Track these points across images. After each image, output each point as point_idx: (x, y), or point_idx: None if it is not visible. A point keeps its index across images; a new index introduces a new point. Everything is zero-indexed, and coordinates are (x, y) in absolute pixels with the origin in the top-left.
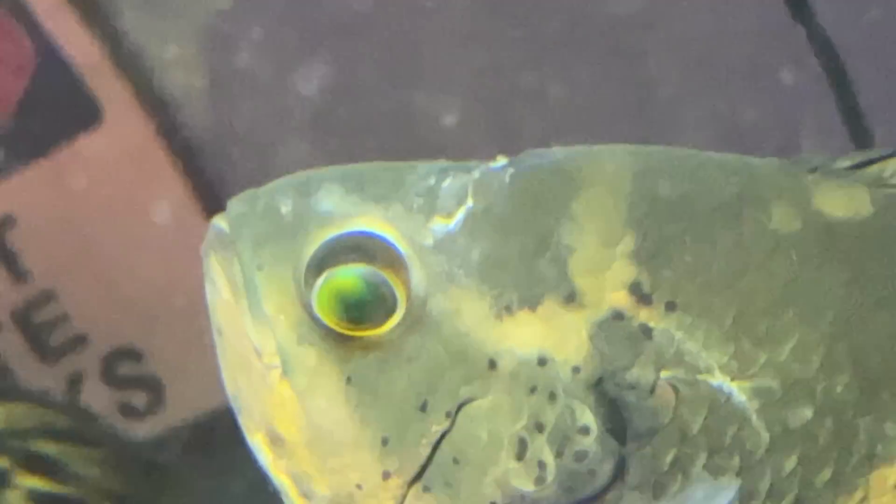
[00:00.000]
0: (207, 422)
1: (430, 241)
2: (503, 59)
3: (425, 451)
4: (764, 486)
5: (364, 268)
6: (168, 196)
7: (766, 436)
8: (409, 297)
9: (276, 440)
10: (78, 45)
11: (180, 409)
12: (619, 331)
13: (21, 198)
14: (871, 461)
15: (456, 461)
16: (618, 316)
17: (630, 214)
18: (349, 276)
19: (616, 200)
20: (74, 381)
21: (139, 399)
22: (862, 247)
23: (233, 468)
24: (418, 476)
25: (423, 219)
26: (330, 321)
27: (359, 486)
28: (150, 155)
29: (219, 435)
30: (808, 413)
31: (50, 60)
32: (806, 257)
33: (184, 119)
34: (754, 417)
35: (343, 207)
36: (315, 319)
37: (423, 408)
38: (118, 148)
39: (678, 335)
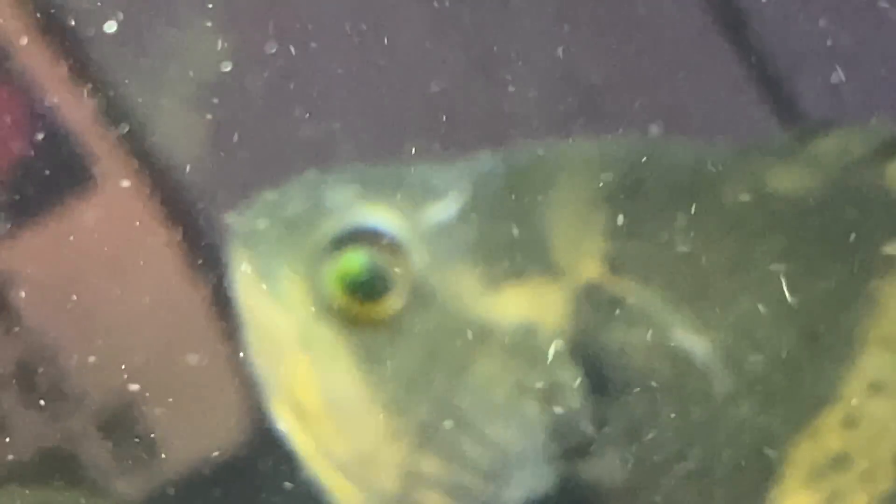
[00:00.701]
0: (201, 476)
1: (426, 228)
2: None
3: (429, 415)
4: (724, 429)
5: (367, 253)
6: (161, 257)
7: (725, 383)
8: (409, 278)
9: (298, 409)
10: (71, 106)
11: (175, 463)
12: (595, 298)
13: (22, 258)
14: (816, 404)
15: (457, 423)
16: (594, 285)
17: (600, 198)
18: (354, 260)
19: (588, 186)
20: (72, 437)
21: (135, 453)
22: (804, 217)
23: None
24: (425, 439)
25: (420, 208)
26: (340, 301)
27: (371, 449)
28: (143, 217)
29: (213, 490)
30: (759, 362)
31: (43, 122)
32: (754, 229)
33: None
34: (714, 368)
35: (348, 202)
36: (327, 300)
37: (426, 375)
38: (113, 210)
39: (646, 299)
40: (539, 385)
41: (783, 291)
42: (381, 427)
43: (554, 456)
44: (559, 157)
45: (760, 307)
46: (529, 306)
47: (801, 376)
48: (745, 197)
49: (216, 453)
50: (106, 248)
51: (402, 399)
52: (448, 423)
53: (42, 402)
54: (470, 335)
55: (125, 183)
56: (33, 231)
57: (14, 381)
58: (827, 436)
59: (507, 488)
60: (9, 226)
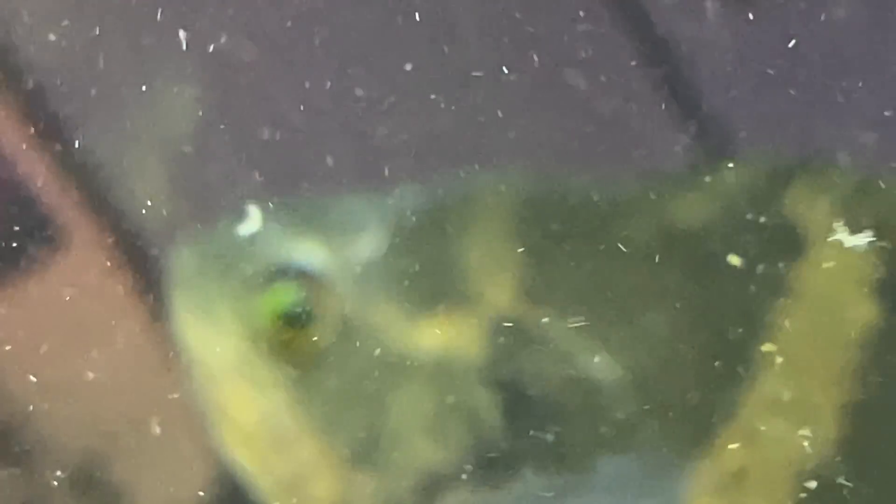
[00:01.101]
0: None
1: (350, 261)
2: None
3: (358, 438)
4: (633, 449)
5: (294, 287)
6: (130, 320)
7: (632, 406)
8: (335, 310)
9: (238, 434)
10: (35, 165)
11: None
12: (509, 326)
13: None
14: (717, 423)
15: (386, 444)
16: (507, 314)
17: (513, 229)
18: (282, 294)
19: (501, 217)
20: (43, 494)
21: None
22: (704, 246)
23: None
24: (356, 460)
25: (345, 242)
26: (270, 332)
27: (305, 470)
28: (112, 280)
29: None
30: (664, 385)
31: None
32: (655, 261)
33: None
34: (622, 392)
35: (278, 237)
36: (259, 331)
37: (353, 401)
38: (82, 273)
39: (558, 327)
40: (460, 410)
41: (685, 317)
42: (313, 449)
43: (478, 481)
44: (475, 188)
45: (664, 332)
46: (447, 336)
47: (704, 397)
48: (647, 228)
49: None
50: (73, 306)
51: (333, 422)
52: (378, 446)
53: (14, 462)
54: (392, 364)
55: (90, 241)
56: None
57: None
58: (727, 454)
59: None
60: None
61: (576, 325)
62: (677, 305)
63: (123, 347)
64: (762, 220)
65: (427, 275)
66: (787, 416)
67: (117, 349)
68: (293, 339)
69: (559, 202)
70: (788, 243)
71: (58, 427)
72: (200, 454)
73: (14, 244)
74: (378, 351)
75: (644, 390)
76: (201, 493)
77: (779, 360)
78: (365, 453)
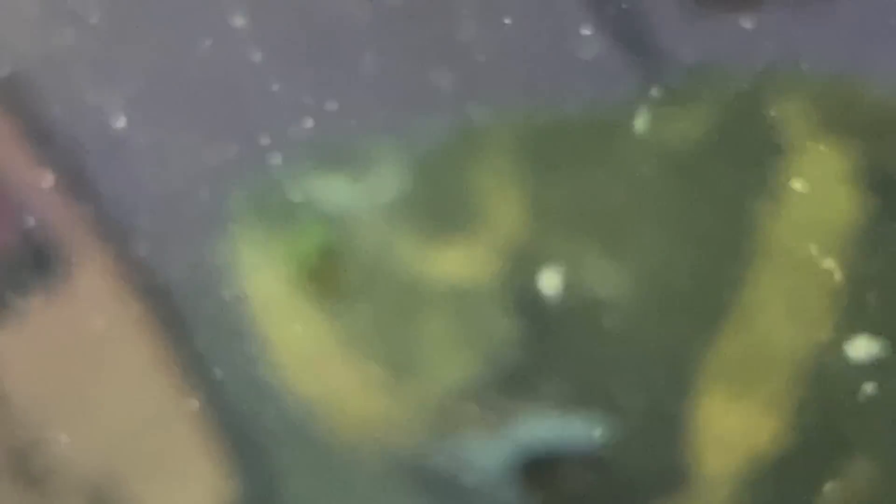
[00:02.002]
0: None
1: (373, 197)
2: None
3: (387, 362)
4: (639, 351)
5: (323, 224)
6: (136, 336)
7: (636, 313)
8: (361, 245)
9: (283, 359)
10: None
11: None
12: (518, 250)
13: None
14: (718, 314)
15: (416, 365)
16: (516, 238)
17: (519, 166)
18: (313, 232)
19: (508, 149)
20: None
21: None
22: (695, 158)
23: None
24: (389, 380)
25: (366, 179)
26: (305, 268)
27: (343, 391)
28: (118, 298)
29: None
30: (665, 286)
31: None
32: (648, 178)
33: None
34: (627, 302)
35: (306, 178)
36: (296, 268)
37: (382, 328)
38: (90, 299)
39: (563, 249)
40: (480, 329)
41: (681, 223)
42: (350, 371)
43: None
44: (479, 122)
45: (662, 241)
46: (462, 261)
47: (703, 290)
48: (639, 149)
49: None
50: (83, 332)
51: (365, 348)
52: (406, 366)
53: (32, 485)
54: (415, 290)
55: (99, 266)
56: (14, 320)
57: (7, 467)
58: (729, 341)
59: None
60: None
61: (581, 245)
62: (673, 215)
63: (135, 371)
64: (747, 130)
65: (440, 205)
66: (779, 304)
67: (129, 373)
68: (325, 271)
69: (556, 130)
70: (774, 149)
71: (73, 453)
72: (213, 471)
73: (29, 269)
74: (402, 278)
75: (646, 297)
76: None
77: (772, 250)
78: (396, 374)
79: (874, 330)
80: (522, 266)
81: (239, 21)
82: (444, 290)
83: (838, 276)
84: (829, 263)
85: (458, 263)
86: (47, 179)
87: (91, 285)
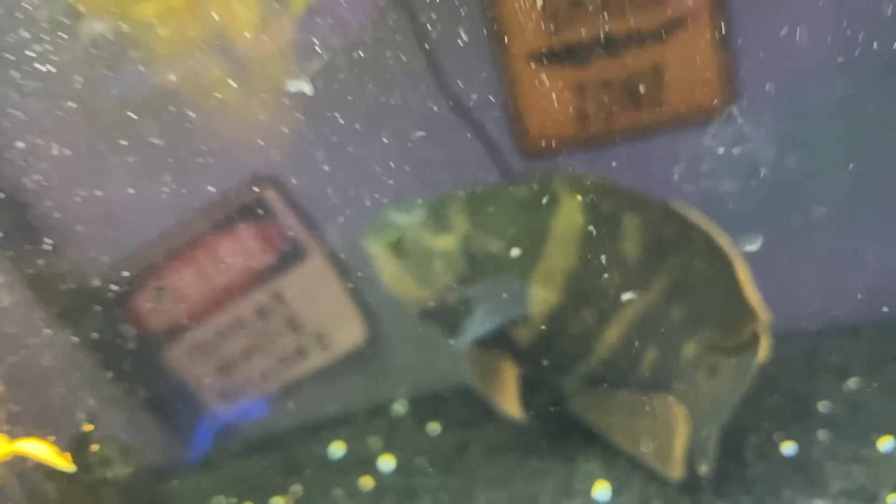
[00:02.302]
0: None
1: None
2: None
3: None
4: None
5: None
6: None
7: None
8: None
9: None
10: None
11: None
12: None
13: None
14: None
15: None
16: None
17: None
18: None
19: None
20: None
21: None
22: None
23: None
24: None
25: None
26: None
27: (415, 294)
28: None
29: None
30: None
31: None
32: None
33: None
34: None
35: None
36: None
37: (425, 268)
38: None
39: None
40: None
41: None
42: (414, 289)
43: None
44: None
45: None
46: (445, 242)
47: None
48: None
49: None
50: None
51: (416, 276)
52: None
53: None
54: (431, 253)
55: None
56: None
57: None
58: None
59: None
60: None
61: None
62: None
63: None
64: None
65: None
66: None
67: None
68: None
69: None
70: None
71: None
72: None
73: None
74: (428, 250)
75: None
76: None
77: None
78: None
79: None
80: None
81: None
82: (441, 251)
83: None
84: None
85: (444, 244)
86: None
87: None
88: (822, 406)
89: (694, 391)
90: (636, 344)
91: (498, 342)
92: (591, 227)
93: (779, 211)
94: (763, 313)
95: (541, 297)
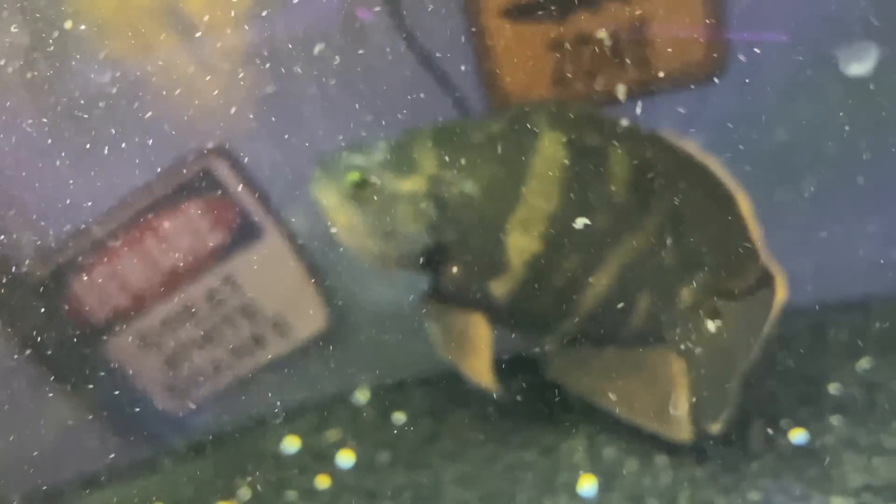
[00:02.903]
0: None
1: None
2: None
3: (384, 227)
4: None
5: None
6: None
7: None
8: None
9: (339, 229)
10: None
11: None
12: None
13: None
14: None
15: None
16: (435, 175)
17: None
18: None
19: (432, 135)
20: None
21: None
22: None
23: None
24: (385, 236)
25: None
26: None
27: (365, 245)
28: None
29: None
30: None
31: None
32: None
33: None
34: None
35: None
36: (345, 190)
37: (385, 212)
38: None
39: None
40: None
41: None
42: (372, 244)
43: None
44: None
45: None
46: (411, 185)
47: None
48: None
49: None
50: None
51: (377, 225)
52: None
53: None
54: (396, 197)
55: None
56: None
57: None
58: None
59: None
60: None
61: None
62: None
63: None
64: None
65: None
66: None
67: None
68: (356, 193)
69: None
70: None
71: None
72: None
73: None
74: (390, 194)
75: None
76: None
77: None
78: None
79: None
80: (438, 186)
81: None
82: (406, 195)
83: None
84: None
85: (410, 185)
86: None
87: None
88: (834, 388)
89: (694, 342)
90: (626, 293)
91: (470, 298)
92: (574, 164)
93: (772, 182)
94: (764, 252)
95: (520, 244)
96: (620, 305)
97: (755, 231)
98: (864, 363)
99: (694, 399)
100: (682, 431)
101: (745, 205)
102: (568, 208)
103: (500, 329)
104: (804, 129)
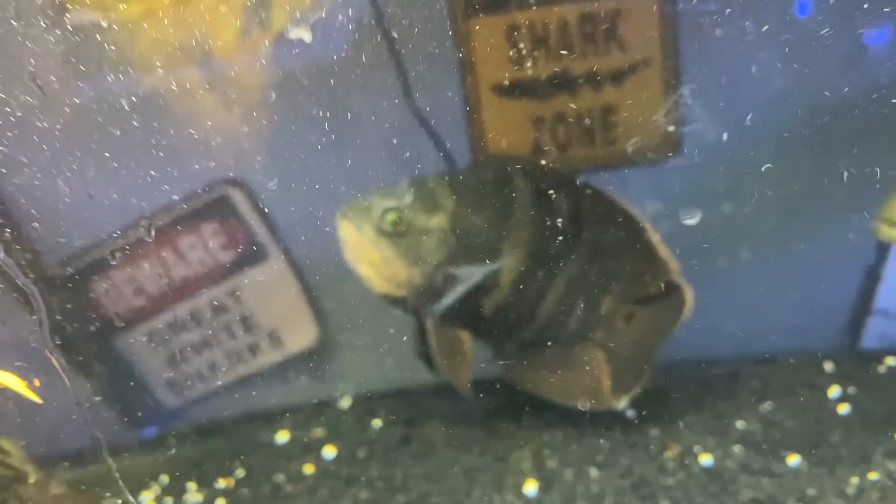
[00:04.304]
0: None
1: (407, 204)
2: None
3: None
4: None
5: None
6: None
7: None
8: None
9: (368, 269)
10: None
11: None
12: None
13: None
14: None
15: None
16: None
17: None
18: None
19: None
20: None
21: None
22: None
23: None
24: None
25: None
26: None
27: (402, 279)
28: None
29: None
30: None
31: None
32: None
33: None
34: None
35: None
36: (382, 228)
37: (418, 248)
38: None
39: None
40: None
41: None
42: (404, 272)
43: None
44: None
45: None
46: (437, 221)
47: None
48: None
49: None
50: None
51: (409, 256)
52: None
53: None
54: (426, 232)
55: None
56: None
57: None
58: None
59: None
60: None
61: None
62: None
63: None
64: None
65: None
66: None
67: None
68: (389, 234)
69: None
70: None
71: None
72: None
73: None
74: (420, 230)
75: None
76: None
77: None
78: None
79: None
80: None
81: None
82: (430, 228)
83: None
84: None
85: (436, 220)
86: None
87: None
88: (740, 424)
89: (612, 337)
90: (567, 303)
91: (464, 314)
92: (536, 203)
93: (710, 251)
94: (674, 265)
95: (509, 265)
96: (562, 315)
97: (663, 253)
98: (766, 406)
99: (612, 381)
100: (611, 403)
101: (653, 234)
102: (535, 236)
103: (478, 341)
104: (745, 205)
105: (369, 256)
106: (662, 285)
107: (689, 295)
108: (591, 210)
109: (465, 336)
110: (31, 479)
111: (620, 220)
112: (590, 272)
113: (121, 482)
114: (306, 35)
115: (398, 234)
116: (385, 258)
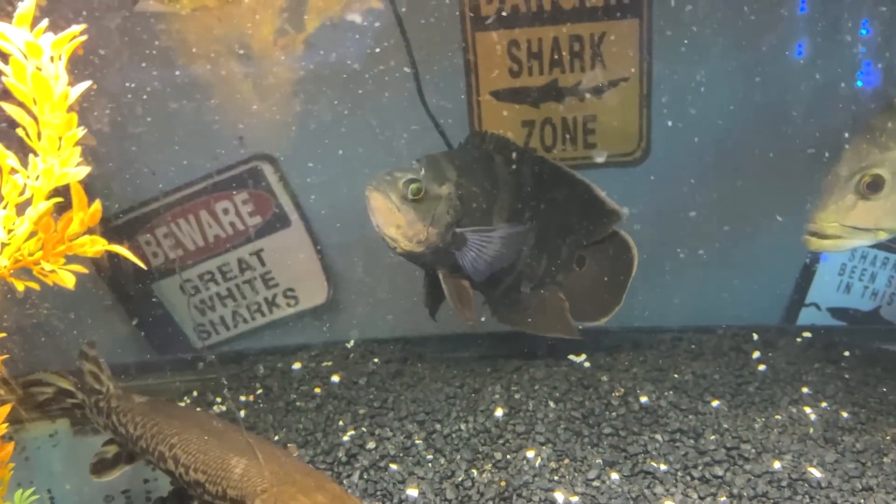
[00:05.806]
0: None
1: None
2: None
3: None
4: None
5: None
6: None
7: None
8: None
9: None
10: None
11: None
12: (457, 189)
13: None
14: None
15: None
16: (455, 184)
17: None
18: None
19: (450, 164)
20: None
21: None
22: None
23: None
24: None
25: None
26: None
27: (422, 238)
28: None
29: None
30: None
31: None
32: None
33: None
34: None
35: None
36: (408, 195)
37: (433, 207)
38: None
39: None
40: (454, 209)
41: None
42: (423, 229)
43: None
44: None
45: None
46: (446, 189)
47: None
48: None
49: None
50: None
51: (427, 217)
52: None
53: None
54: (438, 198)
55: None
56: None
57: None
58: None
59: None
60: None
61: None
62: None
63: None
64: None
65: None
66: None
67: None
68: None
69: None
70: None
71: None
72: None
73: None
74: (436, 195)
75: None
76: None
77: None
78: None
79: None
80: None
81: None
82: (439, 194)
83: None
84: None
85: (442, 189)
86: None
87: None
88: (675, 375)
89: (570, 280)
90: (537, 255)
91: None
92: (511, 172)
93: (678, 241)
94: (622, 211)
95: (498, 225)
96: (533, 265)
97: (609, 204)
98: (699, 363)
99: (571, 315)
100: (574, 333)
101: (598, 190)
102: (514, 200)
103: (474, 289)
104: (704, 205)
105: (396, 220)
106: (609, 232)
107: (633, 251)
108: (549, 177)
109: (466, 284)
110: (115, 392)
111: (569, 183)
112: (550, 226)
113: (226, 390)
114: (334, 37)
115: (417, 200)
116: (409, 220)
